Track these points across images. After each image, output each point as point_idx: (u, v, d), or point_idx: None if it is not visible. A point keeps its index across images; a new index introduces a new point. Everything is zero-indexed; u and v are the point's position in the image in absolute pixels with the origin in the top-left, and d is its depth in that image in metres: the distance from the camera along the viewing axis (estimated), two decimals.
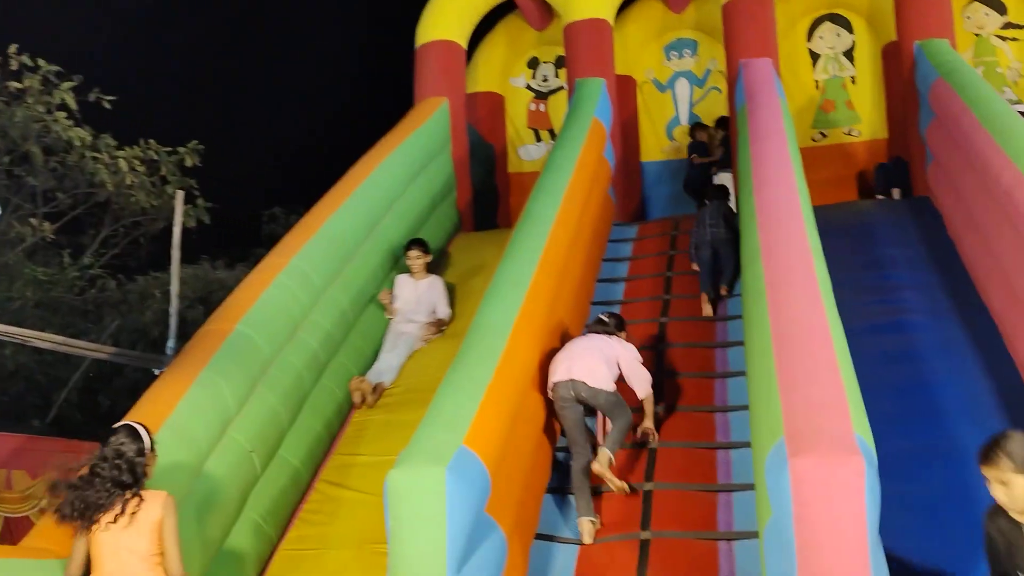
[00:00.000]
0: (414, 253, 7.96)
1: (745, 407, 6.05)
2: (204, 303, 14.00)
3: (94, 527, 4.20)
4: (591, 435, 5.97)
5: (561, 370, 5.84)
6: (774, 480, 4.01)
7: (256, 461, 5.82)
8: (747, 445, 5.70)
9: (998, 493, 3.68)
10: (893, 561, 4.07)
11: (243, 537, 5.62)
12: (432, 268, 8.29)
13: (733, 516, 5.51)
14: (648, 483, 5.79)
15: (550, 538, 5.54)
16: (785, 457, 3.92)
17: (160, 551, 4.23)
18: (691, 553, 5.24)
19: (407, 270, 8.09)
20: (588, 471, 5.69)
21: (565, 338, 6.44)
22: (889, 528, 4.03)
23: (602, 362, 5.87)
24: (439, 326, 7.83)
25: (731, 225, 8.10)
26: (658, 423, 6.28)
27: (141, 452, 4.29)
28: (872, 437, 4.11)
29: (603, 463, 5.64)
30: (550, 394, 5.86)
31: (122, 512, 4.18)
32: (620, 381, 6.01)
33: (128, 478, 4.24)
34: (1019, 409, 5.87)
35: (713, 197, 8.62)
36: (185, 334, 11.14)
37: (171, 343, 8.96)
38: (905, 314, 7.10)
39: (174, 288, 9.25)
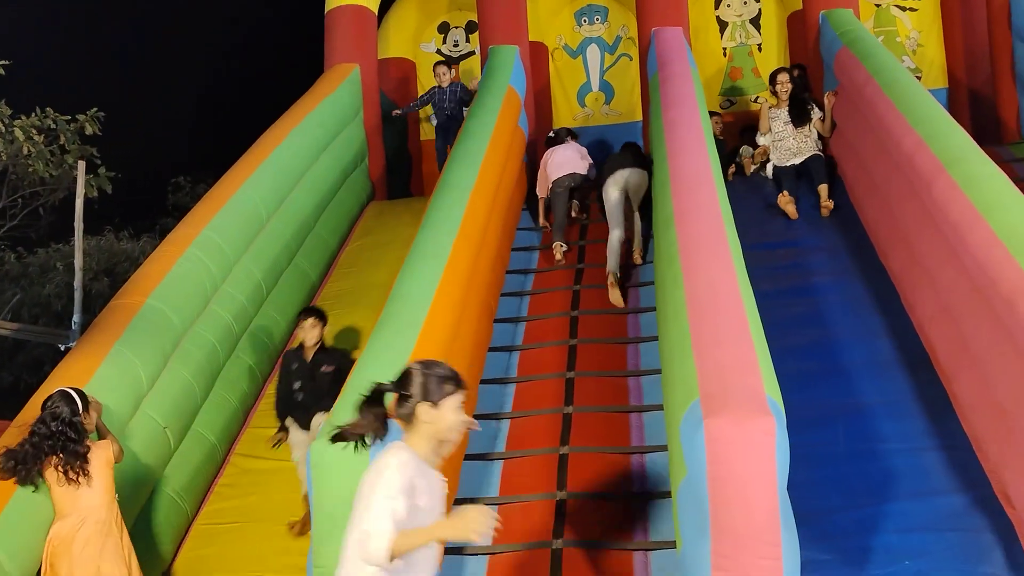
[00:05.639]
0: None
1: (658, 371, 6.17)
2: (109, 275, 13.66)
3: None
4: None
5: (556, 170, 8.37)
6: (689, 440, 4.11)
7: (170, 437, 5.74)
8: (659, 408, 5.83)
9: None
10: (797, 512, 4.23)
11: (159, 513, 5.57)
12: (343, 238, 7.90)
13: (647, 477, 5.64)
14: (564, 447, 5.87)
15: (471, 501, 5.60)
16: (700, 417, 4.02)
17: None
18: (604, 512, 5.36)
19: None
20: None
21: (483, 308, 6.56)
22: (794, 480, 4.18)
23: (578, 156, 8.50)
24: None
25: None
26: (571, 390, 6.40)
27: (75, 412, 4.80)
28: (781, 398, 4.26)
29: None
30: (549, 184, 8.39)
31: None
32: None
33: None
34: (916, 367, 6.13)
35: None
36: (90, 307, 10.92)
37: (76, 317, 8.73)
38: (811, 277, 7.32)
39: (78, 261, 9.00)
